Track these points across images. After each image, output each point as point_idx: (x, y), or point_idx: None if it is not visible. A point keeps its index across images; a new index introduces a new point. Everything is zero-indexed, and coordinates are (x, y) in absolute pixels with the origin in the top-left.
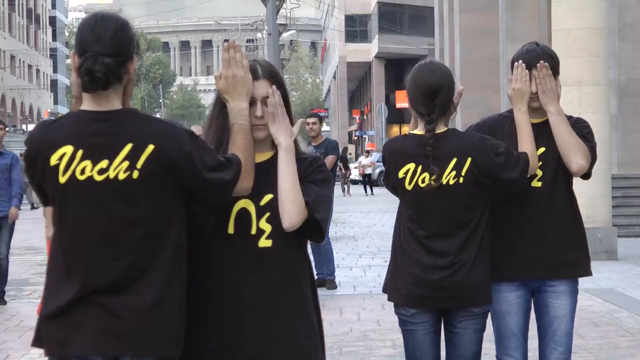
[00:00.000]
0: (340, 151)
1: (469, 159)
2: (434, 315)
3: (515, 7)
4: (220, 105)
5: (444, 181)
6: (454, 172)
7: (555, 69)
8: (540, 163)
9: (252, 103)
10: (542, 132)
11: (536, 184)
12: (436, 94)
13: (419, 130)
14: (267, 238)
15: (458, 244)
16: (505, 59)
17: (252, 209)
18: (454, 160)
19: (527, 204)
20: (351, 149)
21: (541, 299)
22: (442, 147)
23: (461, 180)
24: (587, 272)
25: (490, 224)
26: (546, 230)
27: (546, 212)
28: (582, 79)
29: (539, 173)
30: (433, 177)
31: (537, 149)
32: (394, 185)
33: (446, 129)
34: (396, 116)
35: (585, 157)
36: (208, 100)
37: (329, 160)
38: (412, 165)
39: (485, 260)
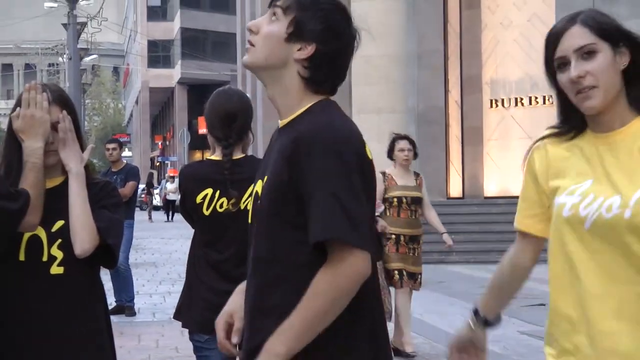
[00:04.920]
0: (147, 177)
1: None
2: None
3: None
4: (13, 133)
5: (242, 206)
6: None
7: None
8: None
9: None
10: None
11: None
12: (233, 119)
13: (217, 156)
14: (59, 265)
15: None
16: None
17: (43, 236)
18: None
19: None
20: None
21: None
22: (240, 172)
23: None
24: None
25: None
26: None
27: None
28: (381, 105)
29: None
30: (231, 202)
31: None
32: (191, 210)
33: (244, 155)
34: (199, 142)
35: None
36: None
37: (130, 186)
38: (209, 191)
39: None
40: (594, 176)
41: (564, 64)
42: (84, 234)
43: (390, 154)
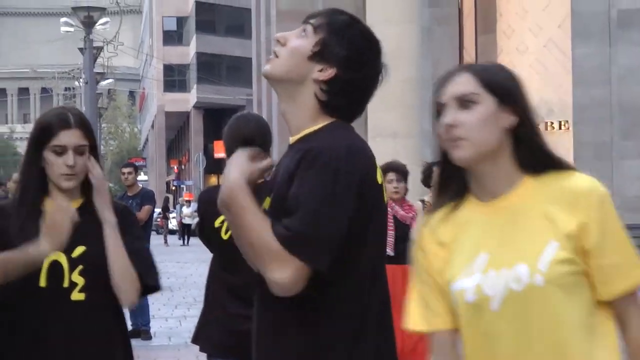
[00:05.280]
0: (163, 201)
1: None
2: None
3: None
4: (31, 157)
5: None
6: None
7: None
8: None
9: (63, 152)
10: None
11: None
12: (250, 144)
13: None
14: (80, 291)
15: None
16: None
17: (64, 261)
18: None
19: None
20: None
21: None
22: (259, 197)
23: None
24: None
25: None
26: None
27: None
28: (397, 130)
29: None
30: None
31: None
32: (209, 235)
33: (262, 180)
34: (214, 166)
35: None
36: (25, 148)
37: (145, 210)
38: None
39: None
40: (489, 249)
41: (443, 110)
42: (128, 286)
43: (428, 180)
